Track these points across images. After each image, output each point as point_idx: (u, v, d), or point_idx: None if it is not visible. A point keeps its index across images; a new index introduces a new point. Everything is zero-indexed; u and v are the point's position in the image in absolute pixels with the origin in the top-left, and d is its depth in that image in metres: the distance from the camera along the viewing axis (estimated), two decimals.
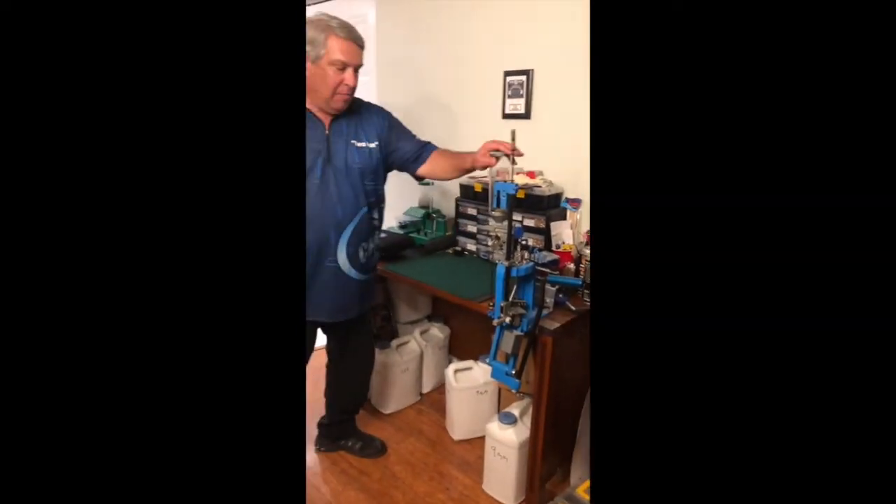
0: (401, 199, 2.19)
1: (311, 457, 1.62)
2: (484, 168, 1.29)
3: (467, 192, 1.75)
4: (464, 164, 1.33)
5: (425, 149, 1.38)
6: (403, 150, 1.36)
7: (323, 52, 1.16)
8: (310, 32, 1.16)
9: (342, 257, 1.27)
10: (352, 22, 2.00)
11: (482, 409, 1.68)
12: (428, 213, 1.91)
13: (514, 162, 1.20)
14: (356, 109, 1.30)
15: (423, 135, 2.13)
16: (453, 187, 1.85)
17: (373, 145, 1.30)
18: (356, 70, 1.21)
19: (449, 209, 1.88)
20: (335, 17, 1.20)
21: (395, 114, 1.42)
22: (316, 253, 1.24)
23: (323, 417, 1.64)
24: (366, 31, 2.25)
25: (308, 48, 1.17)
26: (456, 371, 1.68)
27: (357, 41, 1.20)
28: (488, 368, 1.64)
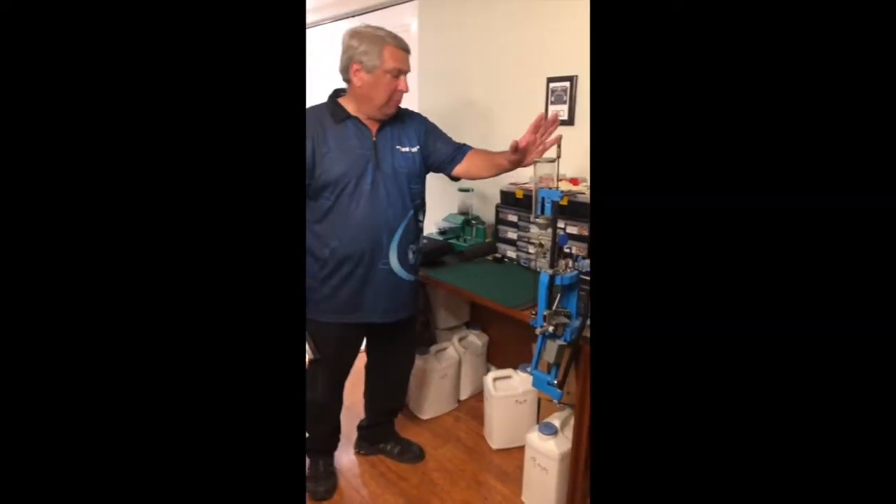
0: (440, 205, 2.21)
1: (350, 459, 1.64)
2: (518, 166, 1.27)
3: (508, 199, 1.74)
4: (499, 160, 1.31)
5: (461, 150, 1.40)
6: (441, 152, 1.39)
7: (379, 62, 1.21)
8: (363, 45, 1.21)
9: (394, 259, 1.32)
10: (395, 31, 2.06)
11: (521, 418, 1.66)
12: (467, 220, 1.91)
13: (557, 148, 1.14)
14: (400, 116, 1.34)
15: (463, 141, 2.14)
16: (493, 194, 1.85)
17: (415, 149, 1.34)
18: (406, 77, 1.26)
19: (489, 215, 1.88)
20: (381, 28, 1.25)
21: (437, 120, 1.44)
22: (370, 256, 1.28)
23: (363, 420, 1.66)
24: (408, 39, 2.28)
25: (364, 59, 1.21)
26: (495, 379, 1.67)
27: (406, 49, 1.26)
28: (527, 377, 1.62)
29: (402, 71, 1.24)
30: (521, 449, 1.47)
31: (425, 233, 1.98)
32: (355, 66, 1.22)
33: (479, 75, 1.99)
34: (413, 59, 2.27)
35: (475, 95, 2.02)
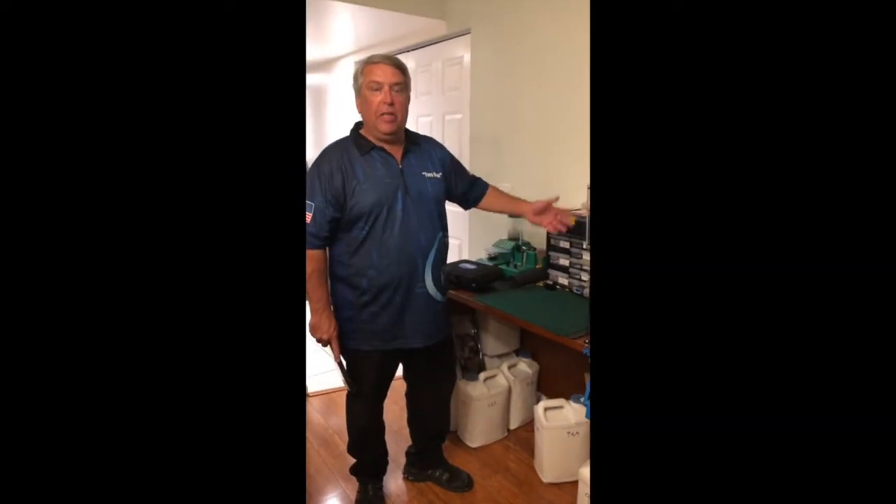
0: (489, 230, 2.22)
1: (399, 484, 1.64)
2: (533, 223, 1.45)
3: None
4: (516, 209, 1.50)
5: (479, 183, 1.51)
6: (462, 186, 1.47)
7: (361, 80, 1.26)
8: (354, 77, 1.29)
9: (429, 282, 1.34)
10: (448, 64, 2.11)
11: (574, 451, 1.60)
12: (518, 245, 1.90)
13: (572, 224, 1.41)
14: (418, 142, 1.38)
15: (517, 170, 2.14)
16: None
17: (438, 175, 1.37)
18: (395, 90, 1.24)
19: (539, 241, 1.87)
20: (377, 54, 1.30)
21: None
22: (407, 281, 1.30)
23: (410, 447, 1.66)
24: (461, 72, 2.36)
25: (354, 86, 1.29)
26: (546, 409, 1.62)
27: (389, 62, 1.25)
28: (580, 408, 1.57)
29: (383, 82, 1.22)
30: (574, 484, 1.41)
31: (474, 258, 1.99)
32: (355, 97, 1.30)
33: (531, 103, 2.02)
34: (465, 91, 2.35)
35: (527, 123, 2.04)
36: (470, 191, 1.49)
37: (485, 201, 1.51)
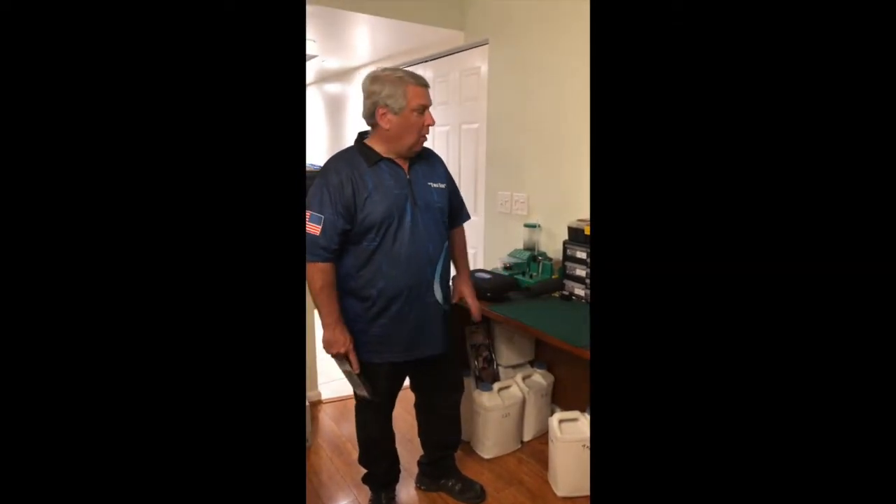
0: (505, 240, 2.21)
1: (411, 494, 1.63)
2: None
3: (576, 236, 1.71)
4: (457, 268, 1.53)
5: (462, 214, 1.50)
6: (453, 204, 1.45)
7: (405, 102, 1.23)
8: (386, 88, 1.23)
9: (437, 291, 1.34)
10: (465, 74, 2.12)
11: (589, 464, 1.57)
12: (533, 256, 1.90)
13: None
14: (423, 154, 1.37)
15: (533, 180, 2.12)
16: (560, 230, 1.83)
17: (443, 186, 1.38)
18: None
19: (556, 252, 1.86)
20: (398, 69, 1.28)
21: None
22: (417, 291, 1.30)
23: (422, 457, 1.65)
24: (478, 82, 2.37)
25: (389, 102, 1.23)
26: (560, 421, 1.60)
27: (426, 85, 1.29)
28: None
29: (426, 106, 1.27)
30: (589, 499, 1.38)
31: (489, 267, 1.99)
32: (381, 111, 1.24)
33: (547, 113, 2.02)
34: (482, 102, 2.36)
35: (543, 133, 2.04)
36: (455, 216, 1.46)
37: (452, 234, 1.46)
